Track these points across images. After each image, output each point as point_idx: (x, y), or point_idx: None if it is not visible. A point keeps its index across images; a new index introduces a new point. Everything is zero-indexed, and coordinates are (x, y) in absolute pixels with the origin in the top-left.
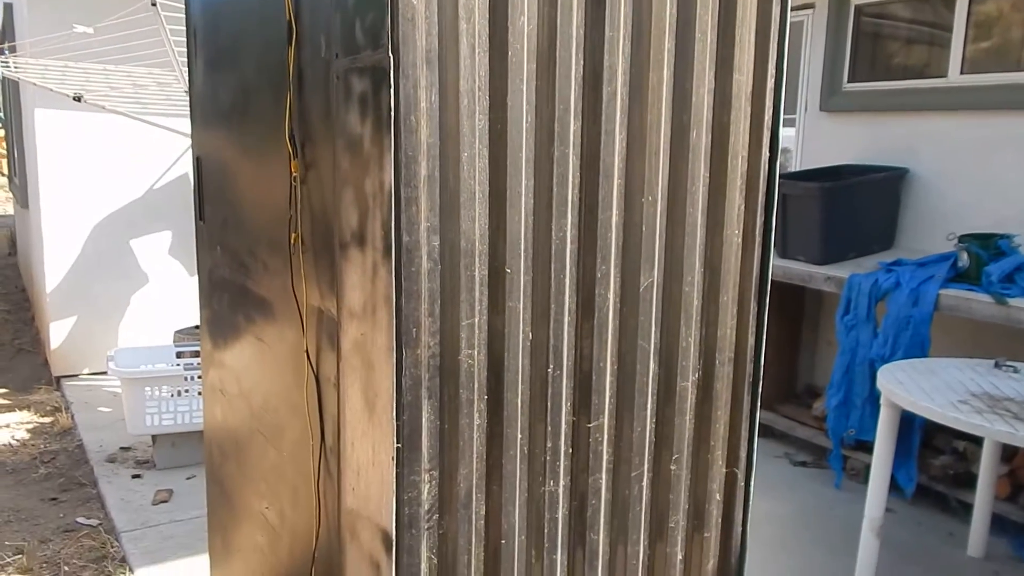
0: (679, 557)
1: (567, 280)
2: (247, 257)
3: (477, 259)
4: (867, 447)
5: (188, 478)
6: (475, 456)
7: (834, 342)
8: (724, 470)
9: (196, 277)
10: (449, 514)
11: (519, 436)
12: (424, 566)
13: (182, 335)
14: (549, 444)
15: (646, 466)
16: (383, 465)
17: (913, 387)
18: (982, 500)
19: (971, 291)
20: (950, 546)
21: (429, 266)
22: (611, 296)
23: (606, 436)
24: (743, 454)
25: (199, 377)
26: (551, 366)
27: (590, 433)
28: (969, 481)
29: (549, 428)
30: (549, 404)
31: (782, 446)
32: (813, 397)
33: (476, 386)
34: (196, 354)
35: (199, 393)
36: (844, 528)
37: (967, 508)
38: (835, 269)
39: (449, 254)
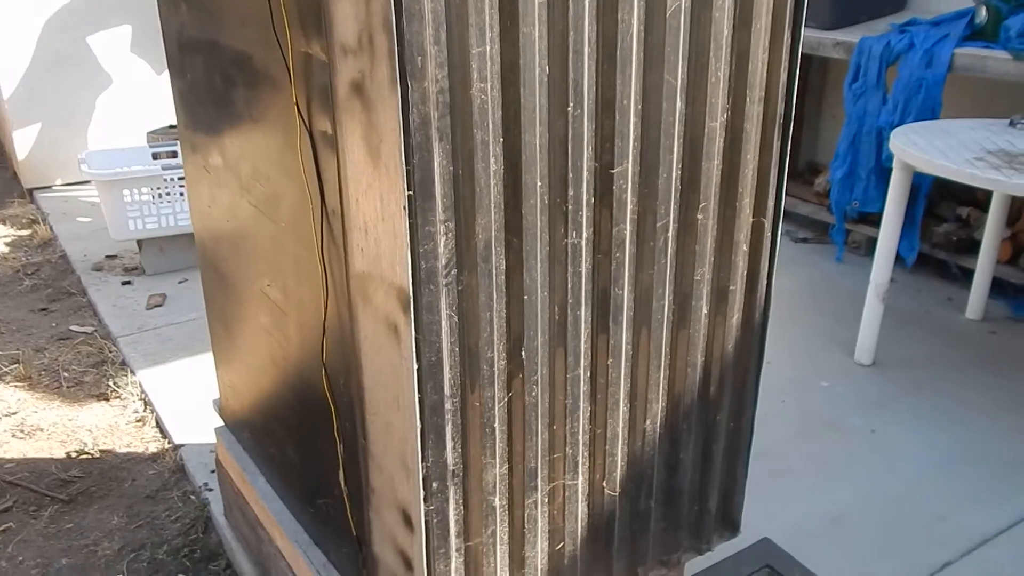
0: (704, 312)
1: (586, 2)
2: (218, 6)
3: None
4: (869, 220)
5: (180, 282)
6: (493, 205)
7: (838, 116)
8: (751, 219)
9: (164, 75)
10: (468, 269)
11: (539, 183)
12: (445, 324)
13: (156, 135)
14: (571, 192)
15: (672, 215)
16: (394, 218)
17: (928, 147)
18: (983, 264)
19: (987, 48)
20: (949, 310)
21: None
22: (635, 23)
23: (630, 183)
24: (771, 203)
25: (180, 179)
26: (571, 104)
27: (613, 180)
28: (971, 247)
29: (570, 175)
30: (570, 148)
31: (784, 224)
32: (815, 174)
33: (491, 126)
34: (174, 154)
35: (182, 194)
36: (847, 298)
37: (967, 274)
38: (845, 34)
39: None
